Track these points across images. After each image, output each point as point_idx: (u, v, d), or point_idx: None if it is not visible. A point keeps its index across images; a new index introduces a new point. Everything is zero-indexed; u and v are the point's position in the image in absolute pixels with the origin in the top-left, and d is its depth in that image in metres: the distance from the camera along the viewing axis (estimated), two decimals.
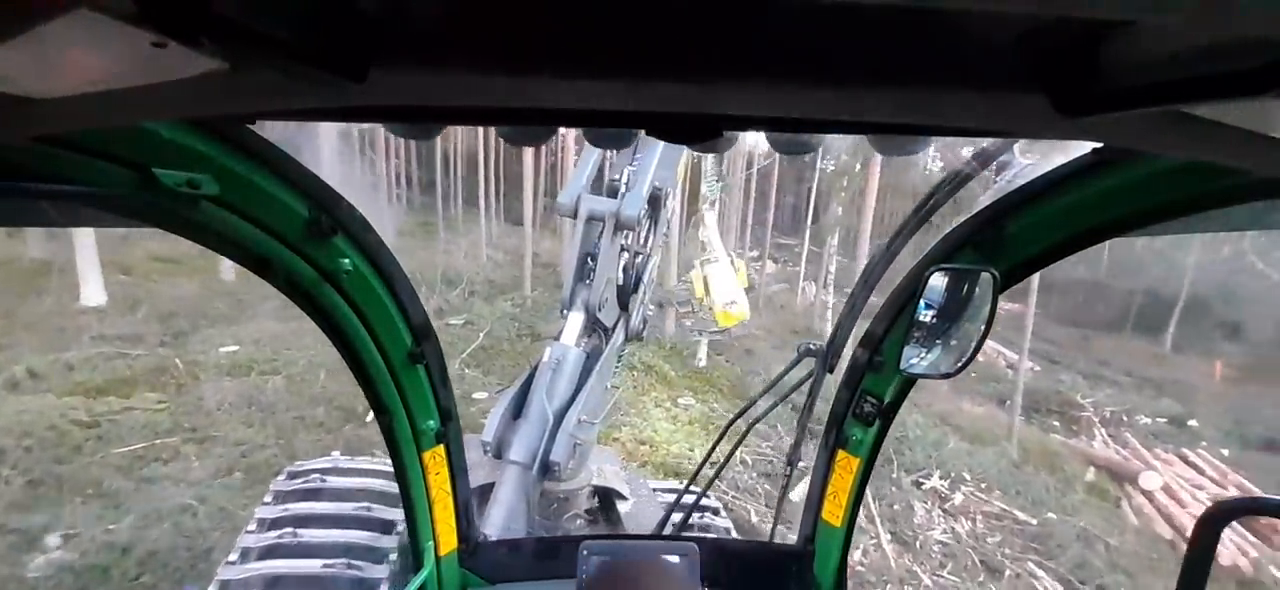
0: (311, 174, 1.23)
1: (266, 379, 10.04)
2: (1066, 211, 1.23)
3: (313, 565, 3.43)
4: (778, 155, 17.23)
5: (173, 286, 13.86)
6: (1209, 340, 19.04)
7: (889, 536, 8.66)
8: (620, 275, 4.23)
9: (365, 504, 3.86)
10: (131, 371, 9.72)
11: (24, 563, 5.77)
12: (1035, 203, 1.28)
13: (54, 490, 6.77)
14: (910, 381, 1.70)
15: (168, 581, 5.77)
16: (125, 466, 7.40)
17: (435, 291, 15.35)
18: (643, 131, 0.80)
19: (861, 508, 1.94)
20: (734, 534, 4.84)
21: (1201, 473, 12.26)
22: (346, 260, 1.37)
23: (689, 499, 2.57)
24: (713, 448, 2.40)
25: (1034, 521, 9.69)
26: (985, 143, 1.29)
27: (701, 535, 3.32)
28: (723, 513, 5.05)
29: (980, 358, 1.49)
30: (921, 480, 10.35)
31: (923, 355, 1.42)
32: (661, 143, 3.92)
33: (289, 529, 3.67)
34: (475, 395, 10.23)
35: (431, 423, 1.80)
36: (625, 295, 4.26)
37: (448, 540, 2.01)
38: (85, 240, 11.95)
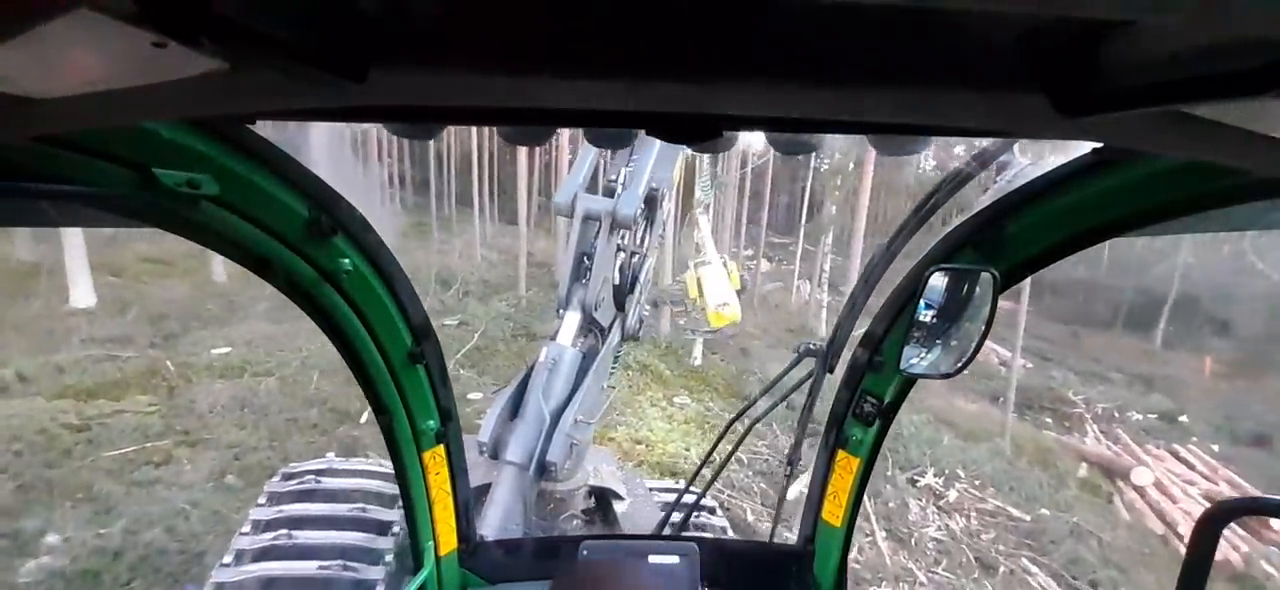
0: (312, 174, 1.23)
1: (259, 381, 9.97)
2: (1066, 211, 1.24)
3: (308, 567, 3.41)
4: (772, 154, 17.28)
5: (163, 288, 13.76)
6: (1199, 337, 19.26)
7: (884, 534, 8.70)
8: (616, 275, 4.23)
9: (361, 505, 3.84)
10: (122, 374, 9.64)
11: (15, 568, 5.71)
12: (1035, 203, 1.28)
13: (44, 495, 6.71)
14: (910, 381, 1.70)
15: (160, 586, 5.72)
16: (116, 470, 7.33)
17: (429, 292, 15.30)
18: (641, 131, 0.80)
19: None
20: (730, 532, 4.85)
21: (1192, 468, 12.39)
22: (346, 260, 1.37)
23: (687, 499, 2.57)
24: (712, 448, 2.40)
25: (1028, 518, 9.76)
26: (985, 143, 1.29)
27: (701, 535, 3.32)
28: (719, 512, 5.06)
29: None
30: (916, 477, 10.40)
31: (923, 355, 1.42)
32: (659, 143, 3.93)
33: (284, 531, 3.64)
34: (470, 396, 10.19)
35: (431, 423, 1.80)
36: (621, 295, 4.25)
37: (448, 540, 2.01)
38: (74, 241, 11.84)
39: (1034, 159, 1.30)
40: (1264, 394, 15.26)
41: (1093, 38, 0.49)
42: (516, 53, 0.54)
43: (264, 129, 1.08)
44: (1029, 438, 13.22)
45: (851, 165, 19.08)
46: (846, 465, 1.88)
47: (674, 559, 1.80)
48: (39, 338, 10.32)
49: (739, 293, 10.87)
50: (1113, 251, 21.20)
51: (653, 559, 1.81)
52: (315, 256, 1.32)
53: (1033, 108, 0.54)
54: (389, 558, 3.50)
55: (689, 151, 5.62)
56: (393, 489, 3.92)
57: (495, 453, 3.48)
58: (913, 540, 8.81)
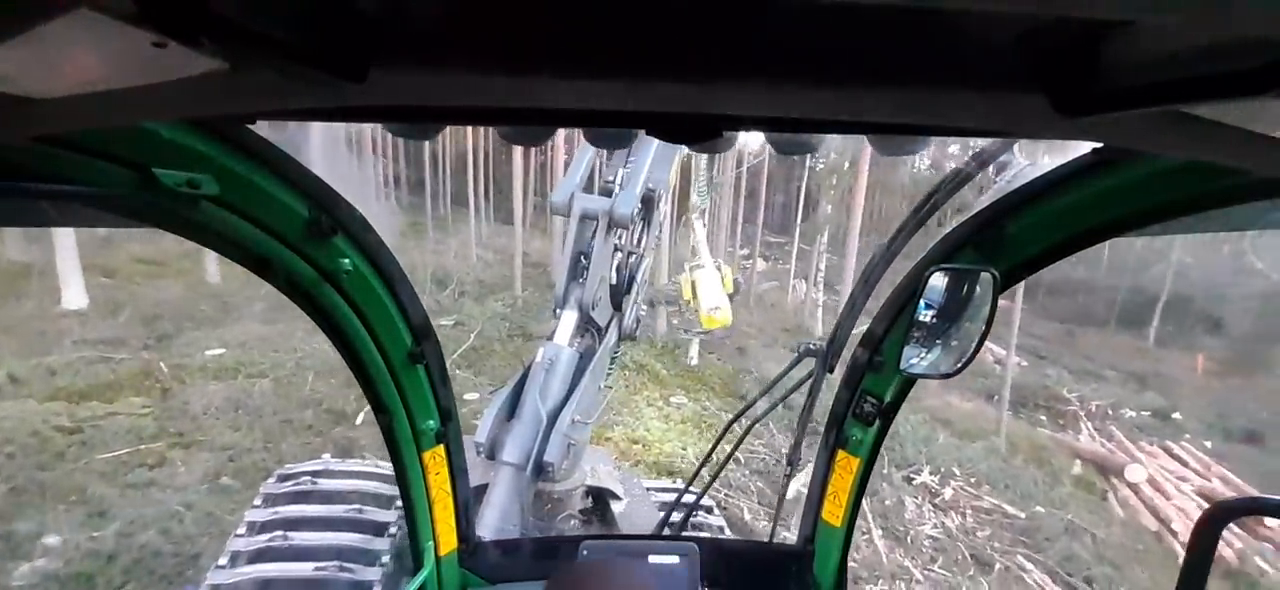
0: (312, 174, 1.23)
1: (253, 382, 9.91)
2: (1066, 211, 1.24)
3: (304, 568, 3.39)
4: (767, 153, 17.31)
5: (156, 289, 13.66)
6: (1191, 335, 19.41)
7: (881, 532, 8.74)
8: (613, 275, 4.23)
9: (357, 506, 3.83)
10: (115, 376, 9.57)
11: (8, 572, 5.67)
12: (1035, 203, 1.28)
13: (37, 497, 6.65)
14: (910, 381, 1.70)
15: (155, 589, 5.69)
16: (109, 472, 7.28)
17: (425, 292, 15.26)
18: (640, 131, 0.80)
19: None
20: (727, 531, 4.86)
21: (1185, 465, 12.49)
22: (346, 260, 1.37)
23: (686, 499, 2.57)
24: (712, 449, 2.40)
25: (1023, 515, 9.81)
26: (984, 142, 1.30)
27: (701, 535, 3.33)
28: (716, 511, 5.06)
29: None
30: (912, 476, 10.45)
31: (923, 355, 1.42)
32: (656, 143, 3.93)
33: (279, 532, 3.63)
34: (467, 396, 10.17)
35: (431, 423, 1.80)
36: (618, 295, 4.25)
37: (448, 540, 2.00)
38: (66, 242, 11.75)
39: (1031, 159, 1.30)
40: (1256, 391, 15.40)
41: (1092, 38, 0.50)
42: (516, 53, 0.54)
43: (264, 129, 1.07)
44: (1024, 435, 13.29)
45: (847, 165, 19.14)
46: (846, 465, 1.88)
47: (674, 559, 1.80)
48: (30, 339, 10.24)
49: (733, 295, 11.04)
50: (1112, 251, 21.32)
51: (653, 559, 1.81)
52: (315, 256, 1.32)
53: (1032, 108, 0.54)
54: (386, 559, 3.48)
55: (687, 152, 5.63)
56: (389, 490, 3.91)
57: (492, 453, 3.48)
58: (909, 538, 8.85)
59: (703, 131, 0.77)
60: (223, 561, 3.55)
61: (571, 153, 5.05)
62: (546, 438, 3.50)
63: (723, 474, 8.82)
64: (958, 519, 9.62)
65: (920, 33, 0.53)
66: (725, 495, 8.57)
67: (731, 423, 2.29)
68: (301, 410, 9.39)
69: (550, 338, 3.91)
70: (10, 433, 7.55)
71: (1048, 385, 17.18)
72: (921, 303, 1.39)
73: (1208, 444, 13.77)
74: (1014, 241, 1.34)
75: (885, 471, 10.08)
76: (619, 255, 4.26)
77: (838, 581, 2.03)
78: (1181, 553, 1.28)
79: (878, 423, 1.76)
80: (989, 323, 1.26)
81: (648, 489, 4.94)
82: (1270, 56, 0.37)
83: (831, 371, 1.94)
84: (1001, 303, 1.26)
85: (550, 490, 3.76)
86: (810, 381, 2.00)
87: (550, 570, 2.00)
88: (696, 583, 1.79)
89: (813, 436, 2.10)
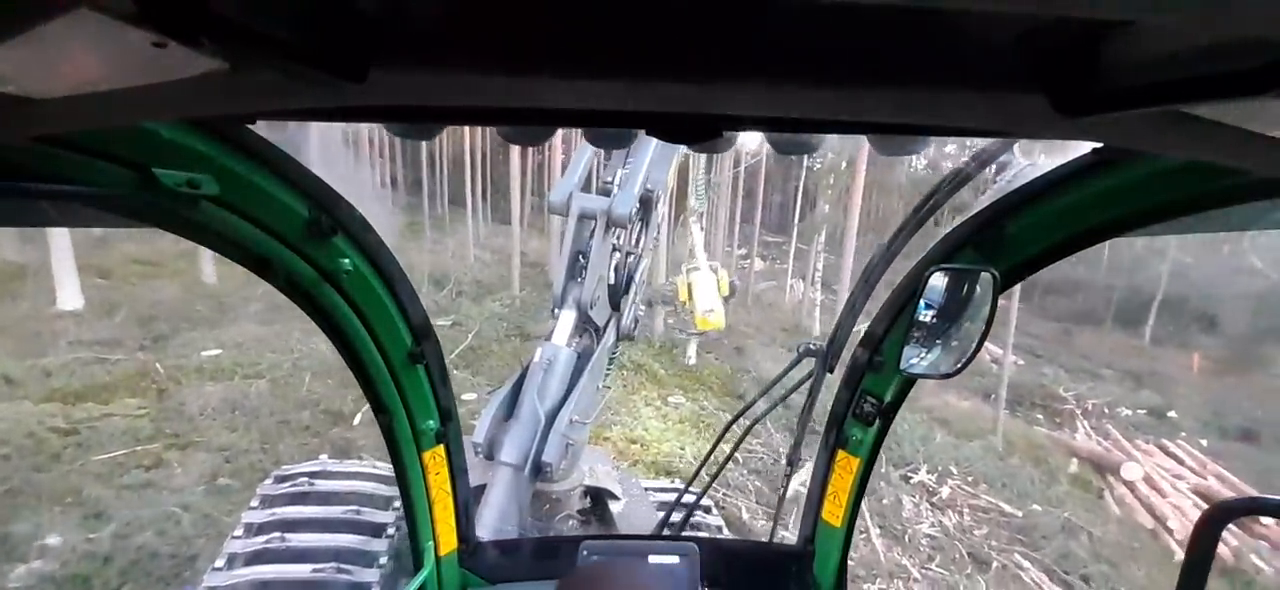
0: (312, 174, 1.23)
1: (250, 383, 9.89)
2: (1066, 211, 1.24)
3: (301, 570, 3.38)
4: (765, 153, 17.33)
5: (152, 289, 13.61)
6: (1187, 333, 19.50)
7: (878, 531, 8.76)
8: (611, 275, 4.22)
9: (355, 507, 3.82)
10: (110, 377, 9.53)
11: (4, 573, 5.64)
12: (1035, 203, 1.28)
13: (32, 499, 6.62)
14: (910, 381, 1.70)
15: None
16: (106, 474, 7.25)
17: (423, 291, 15.21)
18: (640, 131, 0.80)
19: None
20: (725, 530, 4.86)
21: (1181, 463, 12.55)
22: (346, 260, 1.37)
23: (686, 499, 2.57)
24: (712, 449, 2.40)
25: (1020, 513, 9.85)
26: (985, 142, 1.30)
27: (701, 535, 3.33)
28: (714, 510, 5.07)
29: None
30: (909, 474, 10.48)
31: (923, 355, 1.42)
32: (655, 143, 3.93)
33: (277, 534, 3.62)
34: (464, 396, 10.16)
35: (431, 423, 1.79)
36: (617, 295, 4.25)
37: (447, 540, 2.00)
38: (61, 242, 11.71)
39: (1031, 159, 1.30)
40: (1251, 390, 15.48)
41: (1092, 38, 0.50)
42: (516, 53, 0.54)
43: (264, 129, 1.07)
44: (1020, 434, 13.34)
45: (844, 164, 19.17)
46: (846, 465, 1.88)
47: (674, 559, 1.80)
48: (26, 340, 10.19)
49: (729, 297, 11.13)
50: (1111, 251, 21.39)
51: (653, 559, 1.81)
52: (315, 256, 1.32)
53: (1032, 108, 0.54)
54: (383, 560, 3.48)
55: (685, 152, 5.63)
56: (386, 491, 3.90)
57: (490, 453, 3.47)
58: (907, 537, 8.87)
59: (703, 131, 0.77)
60: (220, 563, 3.53)
61: (569, 153, 5.04)
62: (545, 438, 3.50)
63: (722, 474, 8.85)
64: (955, 517, 9.65)
65: (920, 33, 0.53)
66: (723, 495, 8.57)
67: (731, 423, 2.29)
68: (298, 411, 9.37)
69: (548, 338, 3.91)
70: (6, 434, 7.51)
71: (1044, 384, 17.24)
72: (921, 303, 1.38)
73: (1203, 442, 13.84)
74: (1014, 241, 1.34)
75: (883, 470, 10.10)
76: (617, 255, 4.26)
77: (838, 582, 2.03)
78: (1177, 550, 1.29)
79: (878, 423, 1.76)
80: (989, 323, 1.26)
81: (646, 489, 4.94)
82: (1270, 56, 0.37)
83: (831, 371, 1.94)
84: (999, 302, 1.26)
85: (548, 490, 3.75)
86: (810, 381, 2.00)
87: (550, 570, 2.01)
88: (697, 583, 1.79)
89: (812, 436, 2.10)
